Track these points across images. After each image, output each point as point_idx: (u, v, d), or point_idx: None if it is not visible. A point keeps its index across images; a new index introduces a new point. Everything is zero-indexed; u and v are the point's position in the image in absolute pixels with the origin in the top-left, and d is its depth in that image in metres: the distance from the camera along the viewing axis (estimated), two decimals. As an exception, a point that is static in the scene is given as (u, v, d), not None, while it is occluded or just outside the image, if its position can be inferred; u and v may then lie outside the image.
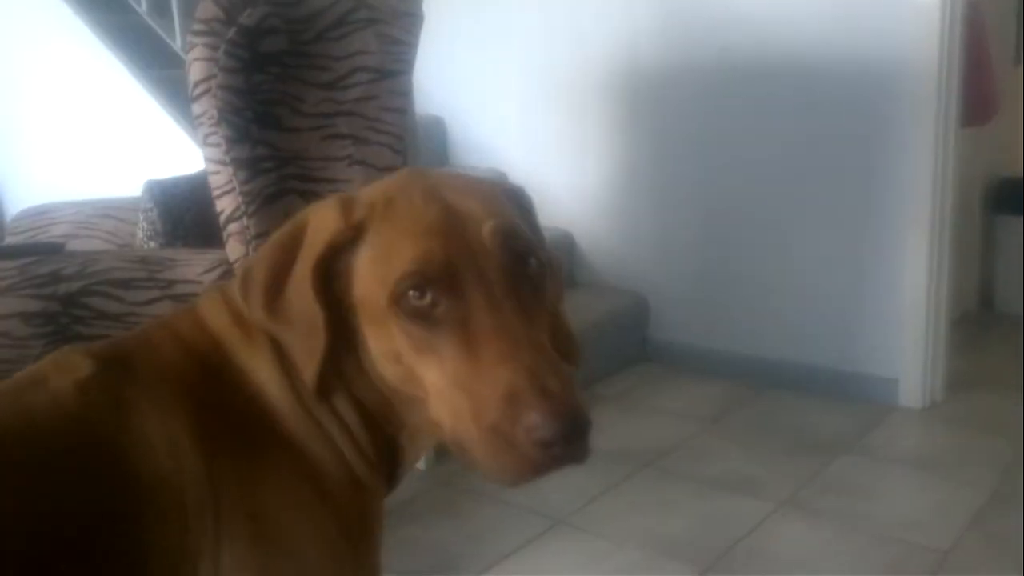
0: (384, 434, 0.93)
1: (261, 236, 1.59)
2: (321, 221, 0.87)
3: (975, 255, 3.80)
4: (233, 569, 0.82)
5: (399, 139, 1.79)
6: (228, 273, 1.61)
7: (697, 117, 3.17)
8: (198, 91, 1.53)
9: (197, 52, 1.52)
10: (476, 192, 0.89)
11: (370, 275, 0.84)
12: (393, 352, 0.84)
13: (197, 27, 1.53)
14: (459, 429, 0.80)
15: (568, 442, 0.76)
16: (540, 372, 0.77)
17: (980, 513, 2.22)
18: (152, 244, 1.89)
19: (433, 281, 0.81)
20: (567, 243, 3.49)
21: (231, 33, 1.50)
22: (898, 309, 2.87)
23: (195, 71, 1.53)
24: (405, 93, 1.83)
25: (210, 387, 0.88)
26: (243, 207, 1.57)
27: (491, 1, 3.57)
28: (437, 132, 3.76)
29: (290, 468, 0.87)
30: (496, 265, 0.83)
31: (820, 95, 2.91)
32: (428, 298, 0.81)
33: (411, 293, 0.81)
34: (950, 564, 2.01)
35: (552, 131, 3.53)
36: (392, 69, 1.75)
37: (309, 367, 0.86)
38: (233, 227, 1.59)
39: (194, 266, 1.62)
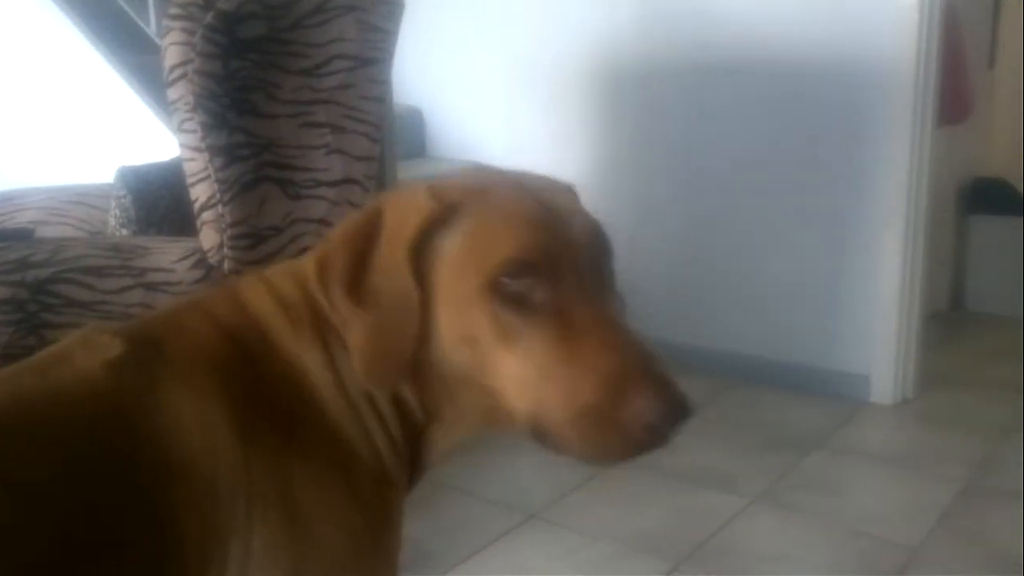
0: (415, 429, 0.93)
1: (237, 224, 1.57)
2: (406, 205, 0.88)
3: (948, 254, 3.85)
4: (264, 553, 0.81)
5: (377, 128, 1.78)
6: (202, 261, 1.58)
7: (676, 113, 3.17)
8: (174, 76, 1.51)
9: (173, 36, 1.50)
10: (558, 189, 0.94)
11: (461, 259, 0.85)
12: (469, 337, 0.84)
13: (174, 11, 1.50)
14: (546, 411, 0.82)
15: (673, 425, 0.79)
16: (648, 358, 0.81)
17: (950, 509, 2.24)
18: (125, 232, 1.86)
19: (534, 269, 0.83)
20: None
21: (209, 18, 1.48)
22: (871, 306, 2.90)
23: (171, 55, 1.51)
24: (383, 82, 1.82)
25: (250, 371, 0.87)
26: (219, 194, 1.55)
27: (471, -8, 3.56)
28: (414, 123, 3.74)
29: (327, 457, 0.87)
30: (587, 258, 0.87)
31: (799, 94, 2.92)
32: (524, 285, 0.83)
33: (508, 279, 0.82)
34: (920, 559, 2.03)
35: (531, 124, 3.52)
36: (371, 57, 1.74)
37: (399, 348, 0.86)
38: (208, 215, 1.57)
39: (168, 254, 1.59)
